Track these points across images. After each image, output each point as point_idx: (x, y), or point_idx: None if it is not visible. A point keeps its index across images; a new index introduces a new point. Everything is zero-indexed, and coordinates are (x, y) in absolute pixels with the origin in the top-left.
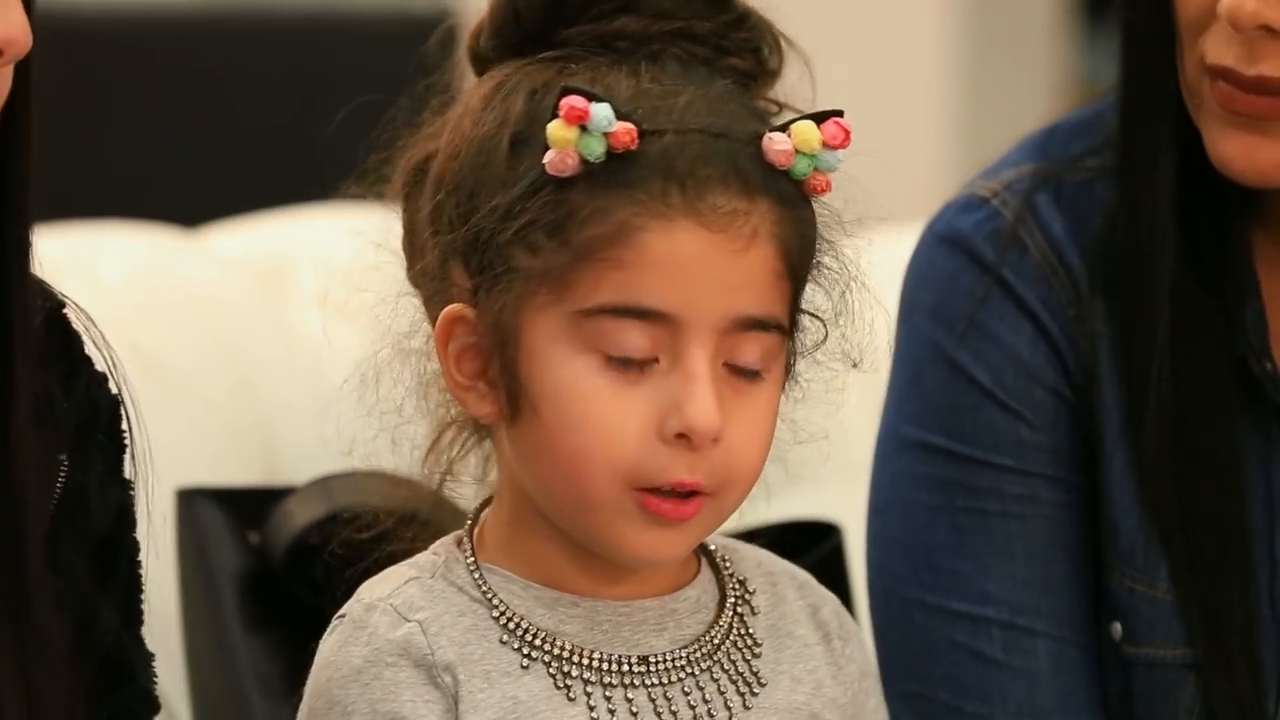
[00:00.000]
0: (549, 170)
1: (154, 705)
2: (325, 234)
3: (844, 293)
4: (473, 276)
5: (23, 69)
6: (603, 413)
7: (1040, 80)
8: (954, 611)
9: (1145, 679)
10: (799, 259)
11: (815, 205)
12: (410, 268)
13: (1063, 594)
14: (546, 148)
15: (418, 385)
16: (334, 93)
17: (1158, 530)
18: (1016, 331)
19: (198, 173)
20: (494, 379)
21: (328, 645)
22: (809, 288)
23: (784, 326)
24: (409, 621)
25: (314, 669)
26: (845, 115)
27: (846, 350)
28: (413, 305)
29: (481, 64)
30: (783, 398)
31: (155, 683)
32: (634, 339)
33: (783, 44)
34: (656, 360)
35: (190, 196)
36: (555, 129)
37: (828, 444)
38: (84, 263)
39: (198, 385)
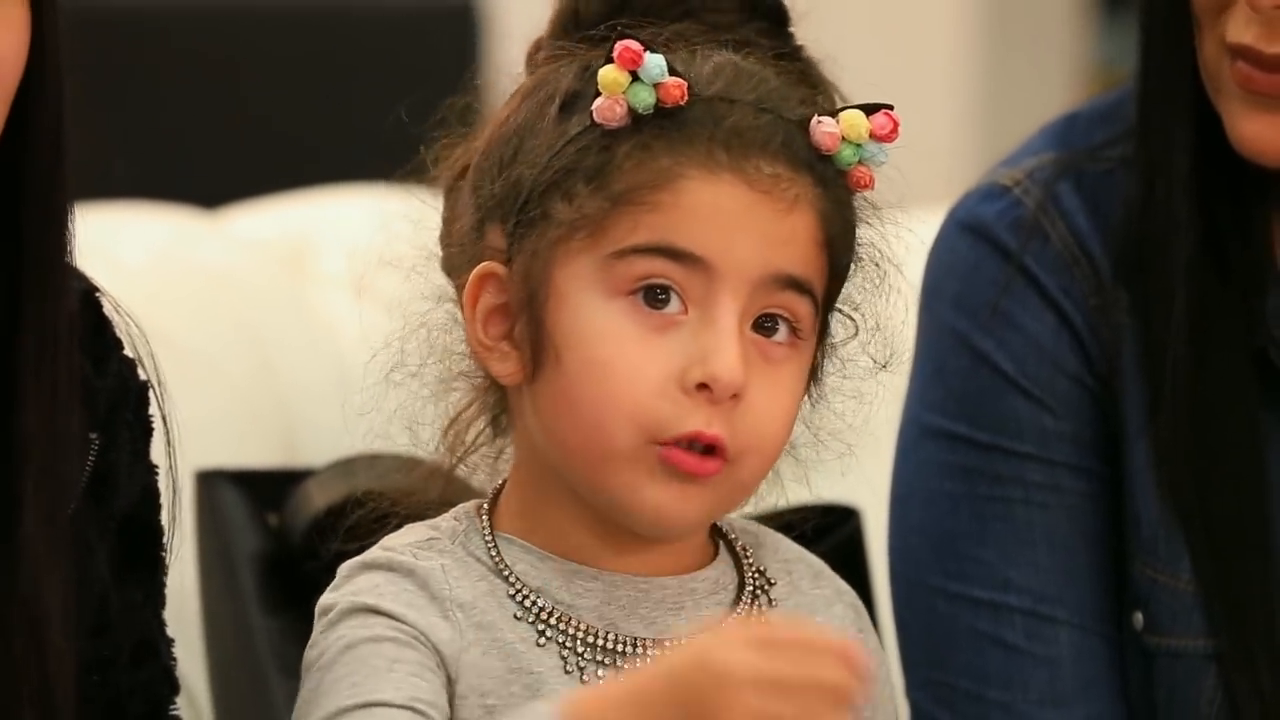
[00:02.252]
0: (597, 117)
1: (174, 685)
2: (346, 216)
3: (878, 286)
4: (507, 232)
5: (52, 58)
6: (627, 358)
7: (1058, 67)
8: (976, 599)
9: (1167, 669)
10: (839, 241)
11: (857, 198)
12: (444, 254)
13: (1085, 583)
14: (593, 103)
15: (439, 362)
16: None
17: (1179, 521)
18: (1039, 320)
19: (218, 154)
20: (519, 338)
21: (342, 588)
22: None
23: (817, 298)
24: (432, 560)
25: (320, 608)
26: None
27: (874, 351)
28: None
29: (536, 66)
30: (805, 401)
31: (175, 662)
32: (663, 278)
33: (835, 94)
34: (685, 312)
35: (211, 178)
36: (607, 72)
37: (846, 426)
38: (105, 244)
39: (218, 367)
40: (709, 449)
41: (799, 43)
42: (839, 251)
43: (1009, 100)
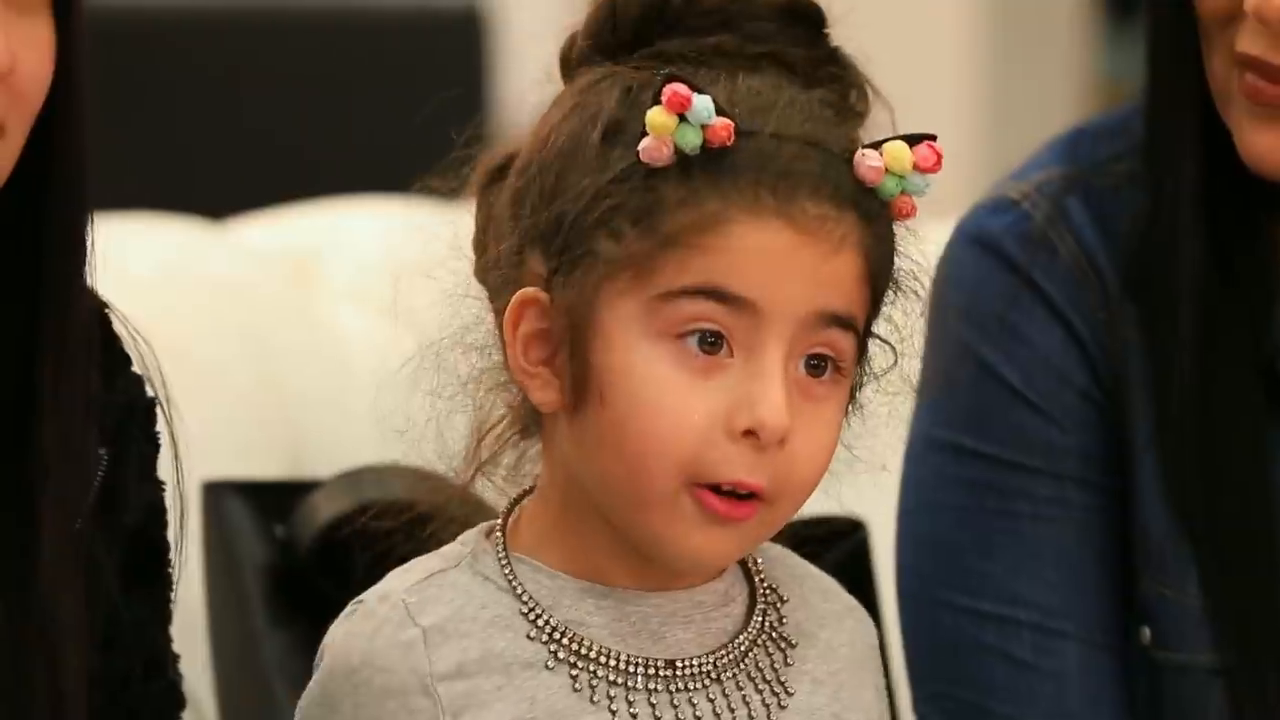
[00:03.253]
0: (643, 157)
1: (180, 700)
2: (353, 227)
3: (919, 316)
4: (550, 261)
5: (78, 78)
6: (672, 401)
7: (1064, 78)
8: (983, 613)
9: (1174, 684)
10: (880, 276)
11: (898, 226)
12: (478, 262)
13: (1092, 597)
14: (639, 139)
15: (468, 381)
16: (362, 87)
17: (1186, 535)
18: (1047, 334)
19: (226, 165)
20: (559, 366)
21: (338, 631)
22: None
23: (859, 331)
24: (415, 626)
25: (323, 647)
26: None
27: (913, 377)
28: (475, 304)
29: (572, 69)
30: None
31: (181, 678)
32: (712, 323)
33: (869, 90)
34: (731, 355)
35: (218, 189)
36: (655, 115)
37: (855, 439)
38: (112, 255)
39: (225, 377)
40: (748, 495)
41: (835, 44)
42: (881, 282)
43: (1016, 113)
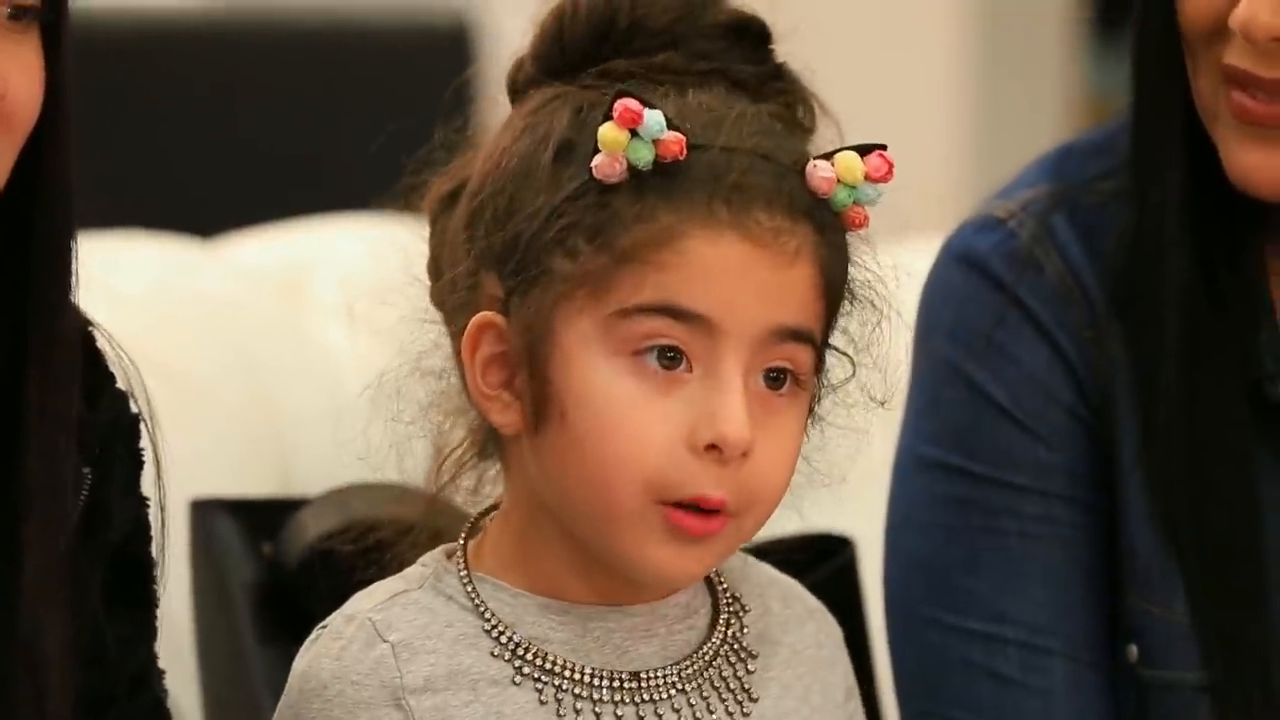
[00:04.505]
0: (596, 174)
1: (166, 716)
2: (343, 245)
3: (876, 327)
4: (506, 282)
5: (66, 103)
6: (634, 418)
7: (1051, 94)
8: (970, 631)
9: (1161, 701)
10: (835, 285)
11: (853, 236)
12: (434, 287)
13: (1079, 615)
14: (591, 157)
15: (428, 406)
16: (352, 104)
17: (1173, 553)
18: (1033, 352)
19: (216, 184)
20: (519, 388)
21: (305, 655)
22: (837, 323)
23: (817, 344)
24: (384, 642)
25: (290, 676)
26: (889, 149)
27: (872, 389)
28: (432, 328)
29: (518, 92)
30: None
31: (166, 694)
32: (670, 339)
33: (816, 106)
34: (689, 370)
35: (208, 207)
36: (607, 131)
37: (843, 457)
38: (102, 274)
39: (214, 395)
40: (714, 510)
41: (780, 60)
42: (836, 294)
43: (1003, 131)
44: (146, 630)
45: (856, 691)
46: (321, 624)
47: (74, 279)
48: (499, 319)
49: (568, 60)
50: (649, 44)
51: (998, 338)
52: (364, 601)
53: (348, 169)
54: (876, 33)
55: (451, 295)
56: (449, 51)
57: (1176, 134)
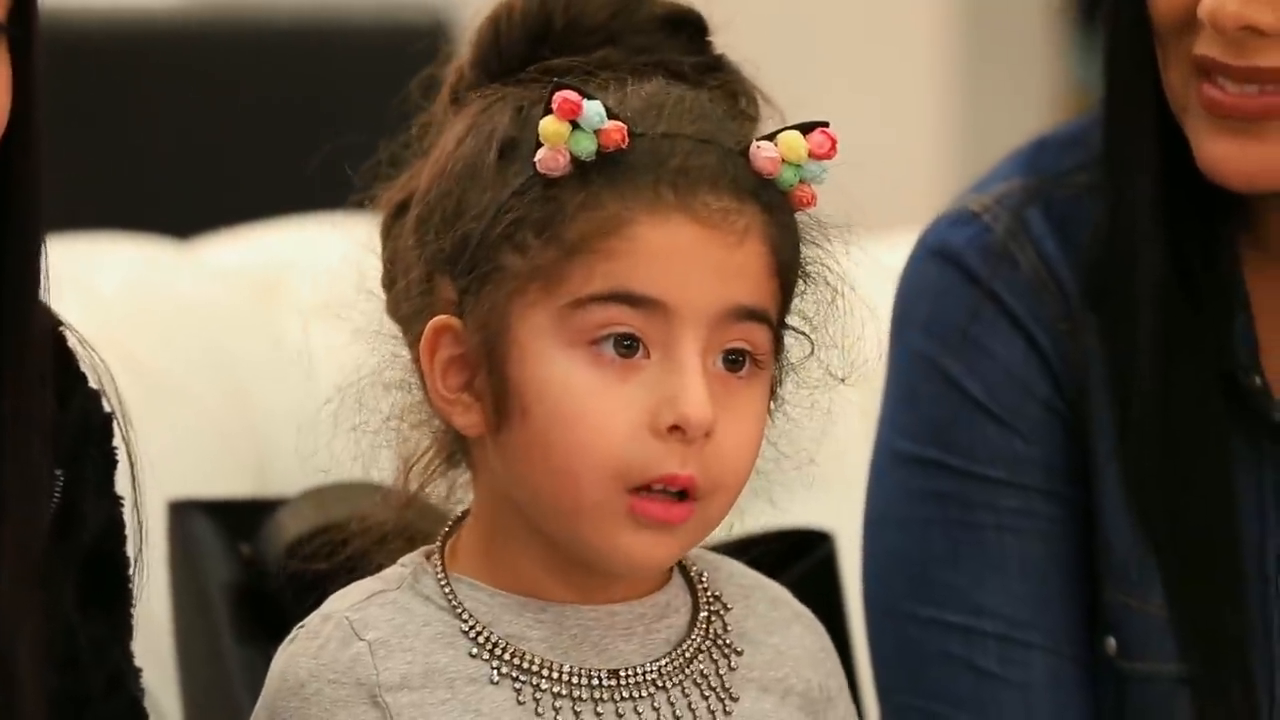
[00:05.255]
0: (540, 168)
1: (141, 716)
2: (319, 245)
3: (830, 304)
4: (459, 284)
5: (37, 108)
6: (594, 407)
7: (1034, 87)
8: (949, 624)
9: (1139, 694)
10: (788, 265)
11: (802, 216)
12: (389, 298)
13: (1057, 607)
14: (535, 152)
15: (391, 417)
16: (327, 103)
17: (1149, 545)
18: (1009, 346)
19: (191, 184)
20: (479, 389)
21: (282, 655)
22: (793, 303)
23: (773, 323)
24: (360, 640)
25: (268, 676)
26: (831, 125)
27: (832, 367)
28: (391, 340)
29: (460, 99)
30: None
31: (142, 694)
32: (625, 326)
33: (757, 95)
34: (647, 356)
35: (184, 208)
36: (548, 124)
37: (819, 451)
38: (78, 274)
39: (191, 396)
40: (681, 493)
41: (719, 52)
42: (789, 274)
43: (987, 125)
44: (121, 630)
45: (847, 696)
46: (301, 624)
47: (43, 283)
48: (455, 321)
49: (505, 63)
50: (586, 42)
51: (973, 332)
52: (341, 601)
53: (324, 169)
54: (861, 27)
55: (406, 303)
56: (426, 51)
57: (1149, 129)
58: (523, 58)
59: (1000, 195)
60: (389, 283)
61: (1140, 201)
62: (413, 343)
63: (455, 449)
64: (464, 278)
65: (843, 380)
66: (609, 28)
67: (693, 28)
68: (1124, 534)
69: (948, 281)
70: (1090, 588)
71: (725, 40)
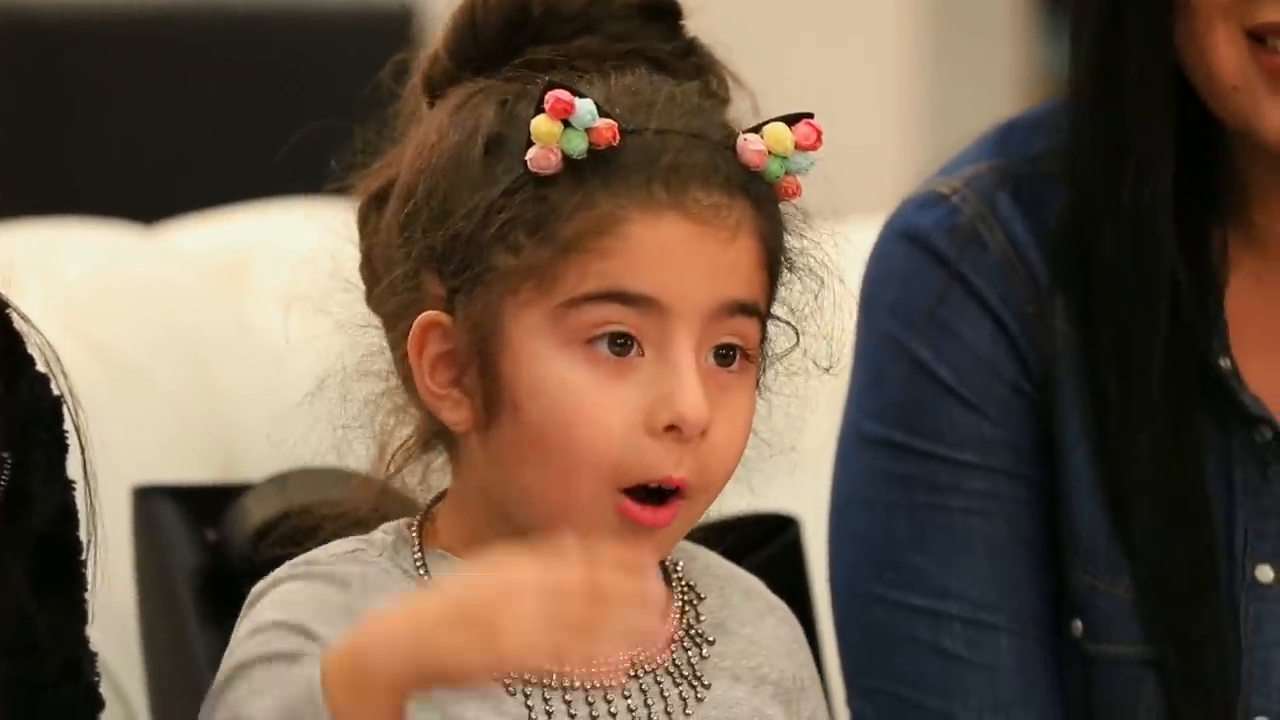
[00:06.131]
0: (531, 167)
1: (97, 702)
2: (284, 230)
3: (817, 295)
4: (448, 282)
5: None
6: (590, 406)
7: (1002, 71)
8: (915, 607)
9: (1106, 676)
10: (776, 257)
11: (787, 207)
12: (370, 291)
13: (1024, 590)
14: (523, 149)
15: (369, 404)
16: (295, 89)
17: (1118, 528)
18: (977, 328)
19: (157, 170)
20: (469, 386)
21: (266, 583)
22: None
23: (763, 316)
24: (342, 584)
25: (249, 615)
26: (816, 117)
27: (816, 357)
28: (370, 332)
29: (436, 88)
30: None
31: (98, 679)
32: (620, 324)
33: (728, 77)
34: (641, 354)
35: (150, 193)
36: (540, 123)
37: (791, 428)
38: (43, 260)
39: (156, 382)
40: (668, 494)
41: (691, 35)
42: (776, 264)
43: (953, 105)
44: (76, 614)
45: (819, 688)
46: (271, 575)
47: None
48: (444, 317)
49: (483, 50)
50: (563, 30)
51: (941, 314)
52: (323, 551)
53: (292, 154)
54: (829, 12)
55: (391, 298)
56: (395, 36)
57: (1116, 122)
58: (500, 45)
59: (969, 178)
60: (369, 273)
61: (1110, 195)
62: (396, 339)
63: (432, 436)
64: (454, 277)
65: (827, 370)
66: (587, 15)
67: (668, 13)
68: (1092, 517)
69: (915, 264)
70: (1056, 570)
71: (694, 26)
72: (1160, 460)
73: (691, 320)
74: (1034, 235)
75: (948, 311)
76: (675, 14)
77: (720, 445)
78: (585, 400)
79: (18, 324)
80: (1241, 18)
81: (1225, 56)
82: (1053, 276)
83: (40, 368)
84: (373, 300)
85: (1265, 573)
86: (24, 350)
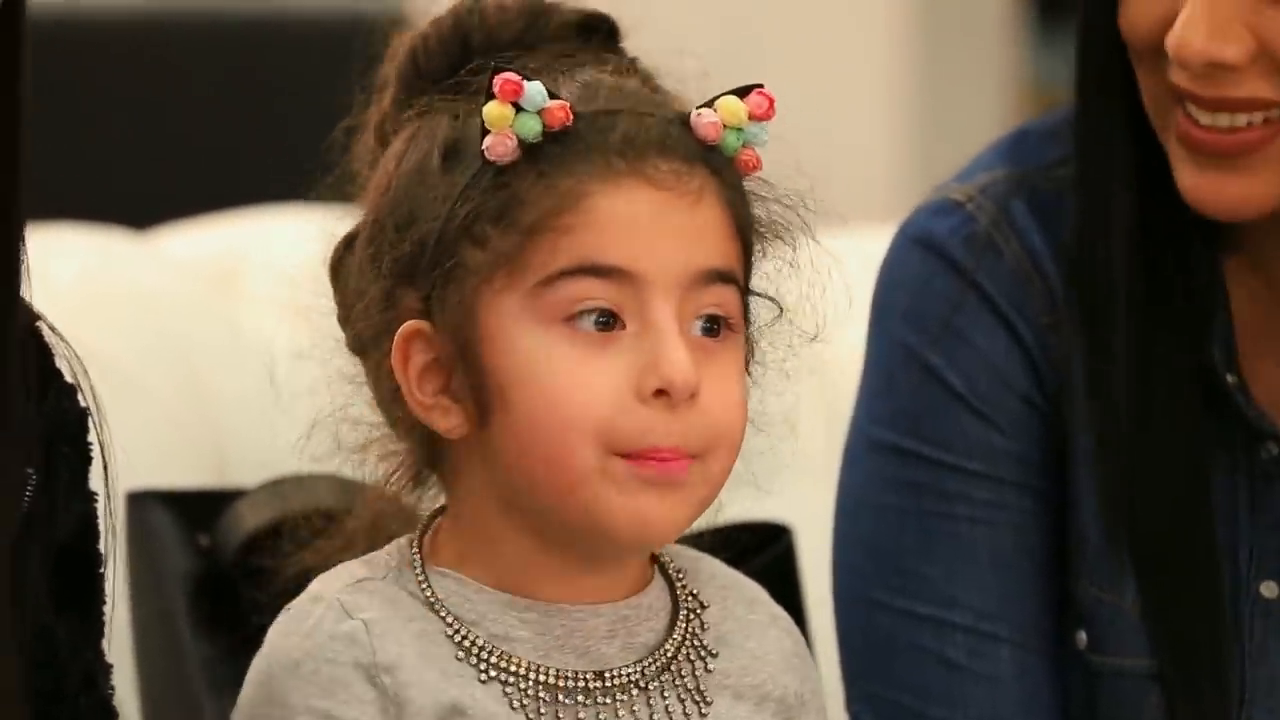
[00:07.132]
0: (489, 156)
1: (111, 715)
2: (276, 236)
3: (791, 262)
4: (421, 289)
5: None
6: (577, 378)
7: (992, 81)
8: (919, 615)
9: (1110, 688)
10: (745, 227)
11: (752, 181)
12: (350, 328)
13: (1028, 601)
14: (479, 149)
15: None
16: (287, 96)
17: (1123, 540)
18: (990, 338)
19: (149, 175)
20: (457, 390)
21: (271, 635)
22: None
23: (740, 284)
24: (352, 619)
25: (256, 658)
26: (766, 86)
27: (802, 325)
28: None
29: (387, 131)
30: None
31: (113, 692)
32: (598, 300)
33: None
34: (624, 328)
35: (141, 199)
36: (491, 108)
37: (780, 444)
38: (35, 265)
39: (148, 387)
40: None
41: (634, 55)
42: (747, 235)
43: (943, 115)
44: (95, 628)
45: (820, 701)
46: (287, 606)
47: (22, 280)
48: (424, 325)
49: (429, 79)
50: (507, 54)
51: (955, 322)
52: (329, 583)
53: (282, 160)
54: (818, 22)
55: (367, 324)
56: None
57: (1120, 139)
58: (443, 68)
59: (984, 185)
60: (347, 318)
61: (1114, 204)
62: (379, 364)
63: (423, 467)
64: (426, 281)
65: (814, 338)
66: (524, 40)
67: (605, 31)
68: (1098, 528)
69: (930, 271)
70: (1060, 581)
71: (680, 34)
72: (1166, 475)
73: (668, 289)
74: (1050, 246)
75: (962, 320)
76: (612, 31)
77: (713, 408)
78: (572, 376)
79: (47, 336)
80: (1162, 69)
81: (1152, 99)
82: (1066, 287)
83: (67, 379)
84: (352, 341)
85: (1270, 589)
86: (52, 363)
